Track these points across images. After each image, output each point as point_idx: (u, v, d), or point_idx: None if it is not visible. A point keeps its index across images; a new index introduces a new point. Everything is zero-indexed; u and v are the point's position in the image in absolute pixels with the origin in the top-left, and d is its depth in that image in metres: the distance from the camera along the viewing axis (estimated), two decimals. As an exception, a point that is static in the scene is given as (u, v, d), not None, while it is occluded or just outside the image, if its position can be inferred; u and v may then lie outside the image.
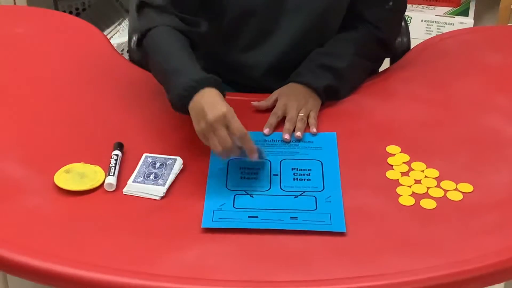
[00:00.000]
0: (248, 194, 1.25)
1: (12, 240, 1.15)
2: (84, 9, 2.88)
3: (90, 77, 1.59)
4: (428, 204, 1.23)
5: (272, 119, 1.42)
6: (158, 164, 1.30)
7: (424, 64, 1.65)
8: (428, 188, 1.27)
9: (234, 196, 1.25)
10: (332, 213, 1.20)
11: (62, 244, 1.15)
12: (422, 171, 1.31)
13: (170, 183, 1.27)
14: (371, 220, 1.20)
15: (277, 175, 1.30)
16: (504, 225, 1.19)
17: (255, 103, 1.48)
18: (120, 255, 1.13)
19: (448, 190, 1.26)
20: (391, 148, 1.36)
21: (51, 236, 1.17)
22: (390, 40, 1.61)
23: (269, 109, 1.46)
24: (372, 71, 1.63)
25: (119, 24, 2.82)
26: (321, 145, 1.38)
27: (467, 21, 2.90)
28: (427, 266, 1.11)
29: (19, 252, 1.12)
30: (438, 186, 1.27)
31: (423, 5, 3.00)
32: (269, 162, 1.32)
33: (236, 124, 1.22)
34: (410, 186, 1.27)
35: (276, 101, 1.46)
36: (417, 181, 1.28)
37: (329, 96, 1.49)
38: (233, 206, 1.22)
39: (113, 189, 1.26)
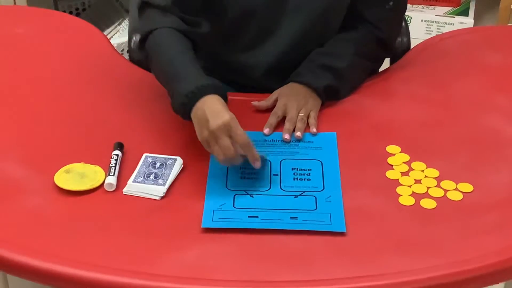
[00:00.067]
0: (248, 194, 1.25)
1: (12, 240, 1.15)
2: (84, 9, 2.88)
3: (90, 77, 1.59)
4: (428, 204, 1.23)
5: (272, 119, 1.42)
6: (158, 164, 1.30)
7: (424, 64, 1.65)
8: (428, 188, 1.27)
9: (234, 196, 1.25)
10: (332, 213, 1.20)
11: (62, 244, 1.15)
12: (422, 171, 1.31)
13: (170, 183, 1.27)
14: (371, 220, 1.20)
15: (277, 175, 1.30)
16: (504, 225, 1.19)
17: (255, 103, 1.48)
18: (120, 255, 1.13)
19: (448, 190, 1.26)
20: (391, 148, 1.37)
21: (51, 236, 1.17)
22: (390, 40, 1.61)
23: (269, 109, 1.46)
24: (372, 71, 1.63)
25: (119, 24, 2.82)
26: (321, 145, 1.38)
27: (467, 21, 2.90)
28: (427, 266, 1.11)
29: (19, 252, 1.12)
30: (438, 186, 1.27)
31: (423, 5, 3.00)
32: (269, 162, 1.32)
33: (239, 132, 1.22)
34: (410, 186, 1.27)
35: (276, 101, 1.47)
36: (417, 181, 1.29)
37: (329, 96, 1.49)
38: (233, 206, 1.22)
39: (113, 189, 1.26)
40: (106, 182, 1.26)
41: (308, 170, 1.31)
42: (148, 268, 1.10)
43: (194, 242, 1.16)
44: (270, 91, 1.50)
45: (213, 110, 1.23)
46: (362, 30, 1.55)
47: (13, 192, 1.25)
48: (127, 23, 2.73)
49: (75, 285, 1.10)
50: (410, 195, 1.25)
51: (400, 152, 1.36)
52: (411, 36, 1.80)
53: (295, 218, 1.19)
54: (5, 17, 1.87)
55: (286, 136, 1.38)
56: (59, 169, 1.28)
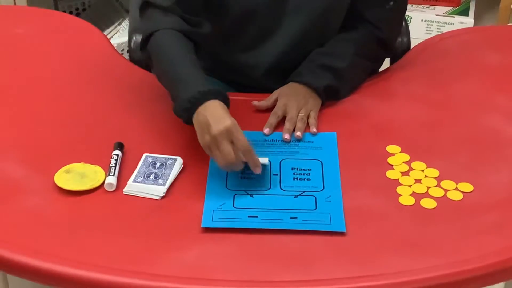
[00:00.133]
0: (248, 194, 1.25)
1: (12, 240, 1.15)
2: (84, 9, 2.88)
3: (90, 77, 1.59)
4: (428, 203, 1.23)
5: (272, 119, 1.42)
6: (158, 164, 1.30)
7: (424, 64, 1.65)
8: (428, 187, 1.27)
9: (234, 195, 1.25)
10: (332, 212, 1.20)
11: (62, 244, 1.15)
12: (422, 170, 1.31)
13: (171, 183, 1.27)
14: (371, 220, 1.20)
15: (277, 175, 1.30)
16: (504, 225, 1.19)
17: (255, 102, 1.48)
18: (120, 255, 1.13)
19: (448, 190, 1.26)
20: (391, 148, 1.36)
21: (51, 236, 1.17)
22: (391, 40, 1.61)
23: (269, 109, 1.46)
24: (372, 71, 1.63)
25: (119, 24, 2.82)
26: (321, 145, 1.38)
27: (467, 21, 2.90)
28: (427, 266, 1.11)
29: (19, 252, 1.12)
30: (438, 185, 1.27)
31: (423, 5, 3.00)
32: (269, 162, 1.32)
33: (241, 138, 1.22)
34: (410, 186, 1.27)
35: (276, 101, 1.47)
36: (417, 181, 1.28)
37: (329, 96, 1.49)
38: (233, 205, 1.22)
39: (113, 189, 1.26)
40: (106, 182, 1.26)
41: (308, 170, 1.31)
42: (148, 268, 1.10)
43: (194, 242, 1.16)
44: (270, 91, 1.50)
45: (215, 115, 1.23)
46: (362, 30, 1.55)
47: (13, 192, 1.25)
48: (127, 23, 2.73)
49: (75, 285, 1.10)
50: (410, 195, 1.25)
51: (400, 152, 1.36)
52: (411, 36, 1.80)
53: (295, 218, 1.19)
54: (5, 17, 1.87)
55: (286, 136, 1.38)
56: (59, 169, 1.28)
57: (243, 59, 1.56)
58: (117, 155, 1.31)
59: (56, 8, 2.76)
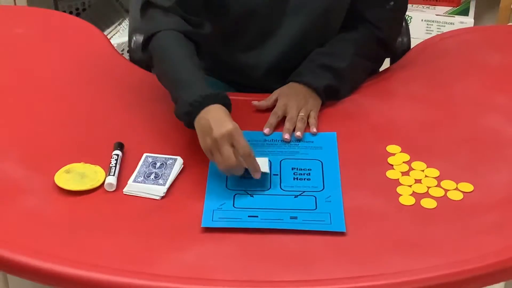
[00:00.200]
0: (248, 193, 1.25)
1: (12, 240, 1.15)
2: (84, 9, 2.88)
3: (90, 77, 1.59)
4: (428, 203, 1.23)
5: (272, 119, 1.42)
6: (158, 164, 1.30)
7: (424, 64, 1.65)
8: (428, 187, 1.27)
9: (234, 195, 1.25)
10: (332, 212, 1.20)
11: (62, 244, 1.15)
12: (423, 170, 1.31)
13: (171, 183, 1.27)
14: (371, 220, 1.20)
15: (277, 174, 1.30)
16: (504, 225, 1.19)
17: (255, 102, 1.48)
18: (120, 255, 1.13)
19: (448, 190, 1.26)
20: (391, 148, 1.36)
21: (51, 236, 1.17)
22: (391, 40, 1.61)
23: (269, 109, 1.46)
24: (372, 71, 1.63)
25: (119, 24, 2.82)
26: (321, 145, 1.38)
27: (467, 21, 2.90)
28: (427, 266, 1.11)
29: (19, 252, 1.12)
30: (438, 185, 1.27)
31: (423, 5, 3.00)
32: (269, 162, 1.32)
33: (242, 142, 1.22)
34: (410, 186, 1.27)
35: (276, 101, 1.47)
36: (418, 181, 1.28)
37: (329, 96, 1.49)
38: (233, 205, 1.22)
39: (113, 189, 1.26)
40: (106, 182, 1.26)
41: (308, 170, 1.31)
42: (148, 268, 1.10)
43: (194, 242, 1.16)
44: (270, 91, 1.50)
45: (216, 119, 1.23)
46: (363, 30, 1.55)
47: (13, 192, 1.25)
48: (127, 23, 2.73)
49: (75, 285, 1.10)
50: (410, 195, 1.25)
51: (400, 152, 1.36)
52: (411, 36, 1.80)
53: (295, 218, 1.19)
54: (5, 17, 1.87)
55: (286, 136, 1.39)
56: (59, 169, 1.28)
57: (243, 59, 1.56)
58: (117, 155, 1.31)
59: (56, 8, 2.76)
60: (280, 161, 1.33)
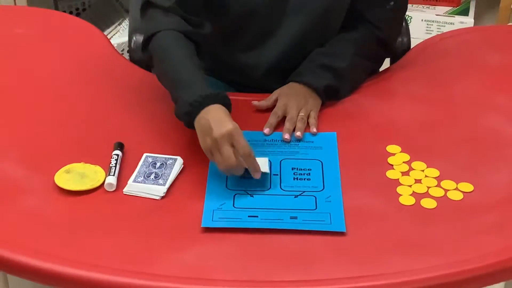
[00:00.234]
0: (248, 193, 1.25)
1: (12, 240, 1.15)
2: (84, 9, 2.88)
3: (90, 77, 1.59)
4: (428, 203, 1.23)
5: (272, 119, 1.42)
6: (158, 164, 1.30)
7: (424, 64, 1.65)
8: (428, 187, 1.27)
9: (234, 195, 1.25)
10: (332, 212, 1.20)
11: (62, 244, 1.15)
12: (423, 170, 1.31)
13: (171, 183, 1.27)
14: (371, 220, 1.20)
15: (277, 174, 1.30)
16: (504, 225, 1.19)
17: (255, 102, 1.48)
18: (120, 255, 1.13)
19: (448, 190, 1.26)
20: (391, 148, 1.36)
21: (51, 236, 1.17)
22: (391, 40, 1.61)
23: (269, 109, 1.46)
24: (372, 71, 1.63)
25: (119, 24, 2.82)
26: (321, 145, 1.38)
27: (467, 21, 2.90)
28: (427, 266, 1.11)
29: (19, 252, 1.12)
30: (438, 185, 1.27)
31: (423, 5, 3.00)
32: (269, 162, 1.32)
33: (242, 142, 1.22)
34: (410, 186, 1.27)
35: (276, 101, 1.47)
36: (418, 181, 1.28)
37: (329, 96, 1.49)
38: (233, 205, 1.22)
39: (113, 189, 1.26)
40: (106, 182, 1.26)
41: (308, 170, 1.31)
42: (148, 268, 1.10)
43: (194, 242, 1.16)
44: (270, 91, 1.50)
45: (216, 119, 1.23)
46: (363, 30, 1.55)
47: (13, 192, 1.25)
48: (127, 23, 2.73)
49: (75, 285, 1.10)
50: (410, 195, 1.25)
51: (401, 151, 1.36)
52: (411, 36, 1.80)
53: (295, 218, 1.19)
54: (5, 17, 1.87)
55: (286, 136, 1.39)
56: (59, 169, 1.28)
57: (243, 59, 1.56)
58: (117, 155, 1.31)
59: (56, 8, 2.76)
60: (280, 161, 1.33)
